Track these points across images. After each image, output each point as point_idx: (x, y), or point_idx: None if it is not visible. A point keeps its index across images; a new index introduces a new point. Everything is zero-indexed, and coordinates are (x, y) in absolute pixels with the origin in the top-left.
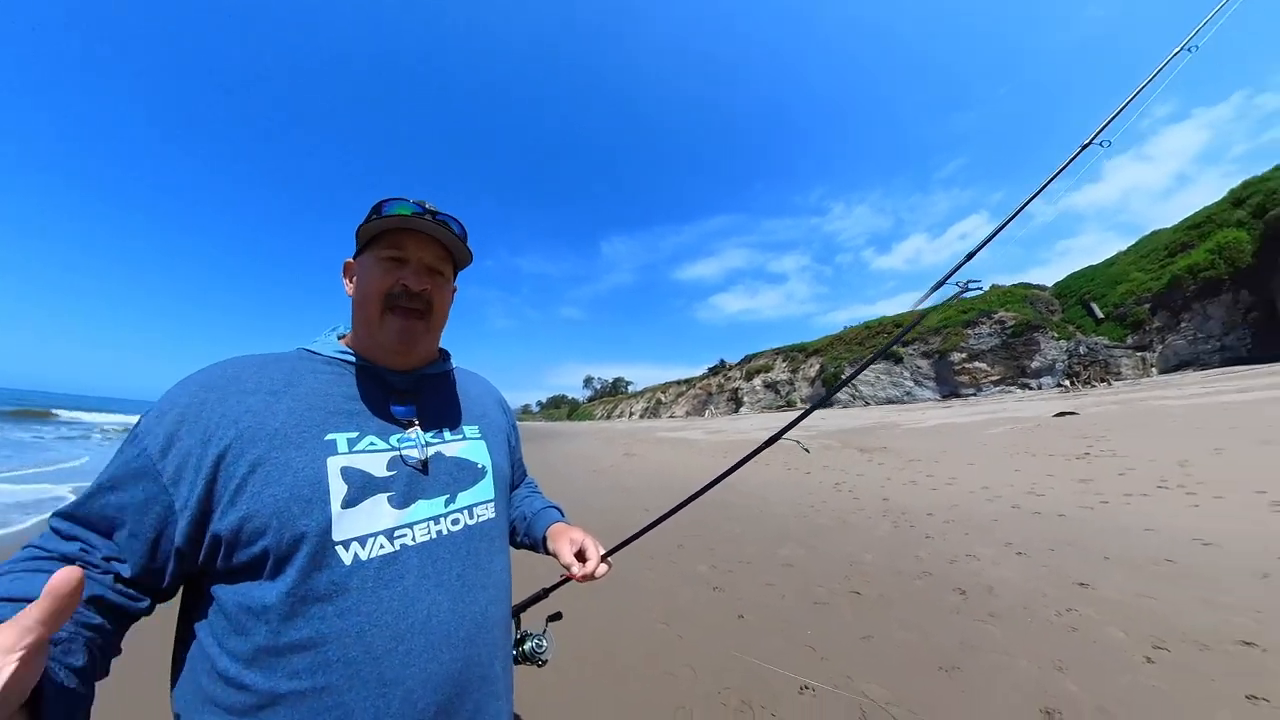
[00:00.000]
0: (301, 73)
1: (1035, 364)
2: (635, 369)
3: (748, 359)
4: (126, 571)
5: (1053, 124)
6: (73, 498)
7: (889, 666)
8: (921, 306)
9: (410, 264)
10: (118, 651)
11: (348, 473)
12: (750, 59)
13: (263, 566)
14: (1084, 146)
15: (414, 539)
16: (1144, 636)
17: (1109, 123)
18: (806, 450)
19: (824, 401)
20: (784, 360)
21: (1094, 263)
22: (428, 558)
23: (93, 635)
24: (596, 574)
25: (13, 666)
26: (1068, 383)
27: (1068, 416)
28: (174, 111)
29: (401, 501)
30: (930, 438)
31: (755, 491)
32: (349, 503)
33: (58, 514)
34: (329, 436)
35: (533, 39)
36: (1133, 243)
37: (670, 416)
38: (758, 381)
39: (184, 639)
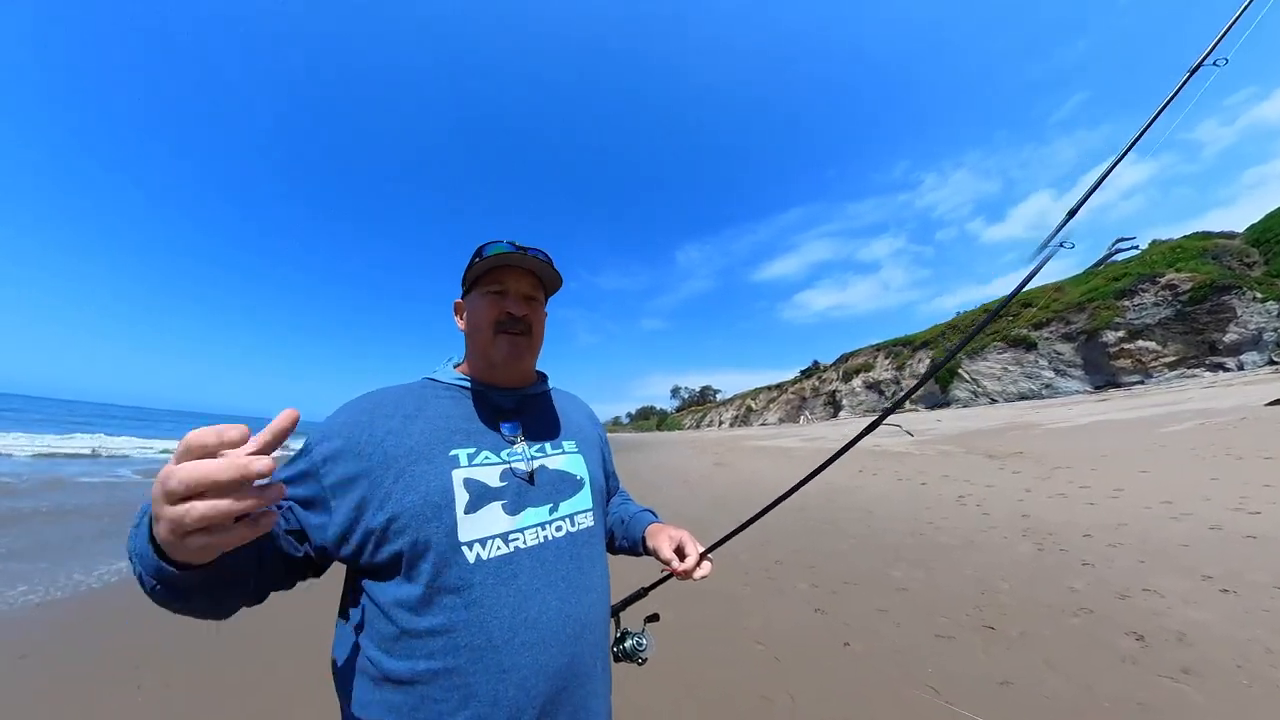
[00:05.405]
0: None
1: (1230, 337)
2: (722, 376)
3: (844, 358)
4: (284, 526)
5: (1195, 18)
6: None
7: None
8: (1026, 284)
9: (510, 295)
10: (276, 585)
11: (469, 483)
12: (798, 44)
13: (401, 561)
14: (1193, 70)
15: (525, 543)
16: None
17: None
18: (910, 434)
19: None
20: (886, 357)
21: None
22: (537, 560)
23: (263, 545)
24: (696, 575)
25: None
26: None
27: None
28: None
29: (513, 508)
30: (1081, 438)
31: (862, 504)
32: (470, 508)
33: None
34: (453, 452)
35: (580, 69)
36: None
37: (762, 424)
38: (857, 382)
39: (343, 621)
